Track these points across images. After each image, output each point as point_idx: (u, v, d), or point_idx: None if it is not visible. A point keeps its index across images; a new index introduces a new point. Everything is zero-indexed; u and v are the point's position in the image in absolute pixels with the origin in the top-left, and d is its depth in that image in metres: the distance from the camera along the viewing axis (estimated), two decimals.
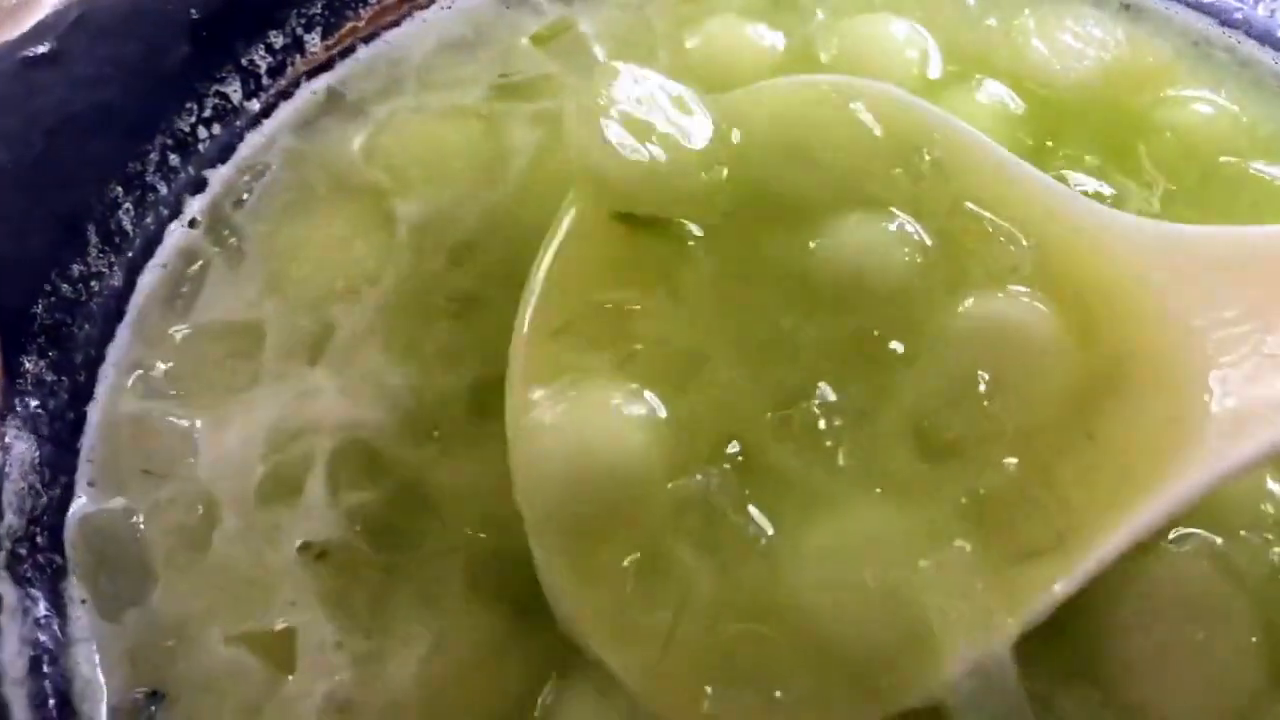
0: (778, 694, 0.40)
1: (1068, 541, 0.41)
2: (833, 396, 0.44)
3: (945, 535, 0.41)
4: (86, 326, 0.56)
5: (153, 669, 0.48)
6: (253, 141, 0.63)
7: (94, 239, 0.57)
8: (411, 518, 0.51)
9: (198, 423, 0.54)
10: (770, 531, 0.42)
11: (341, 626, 0.48)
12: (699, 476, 0.42)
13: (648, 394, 0.44)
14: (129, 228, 0.59)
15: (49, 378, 0.54)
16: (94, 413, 0.55)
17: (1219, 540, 0.47)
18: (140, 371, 0.56)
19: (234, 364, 0.55)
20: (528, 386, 0.45)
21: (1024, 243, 0.47)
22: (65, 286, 0.56)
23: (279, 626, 0.48)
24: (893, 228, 0.47)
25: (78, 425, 0.54)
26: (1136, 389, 0.43)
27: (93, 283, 0.57)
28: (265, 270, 0.58)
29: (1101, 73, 0.65)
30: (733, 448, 0.43)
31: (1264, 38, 0.67)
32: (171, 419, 0.54)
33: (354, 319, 0.56)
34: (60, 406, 0.54)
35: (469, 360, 0.54)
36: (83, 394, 0.55)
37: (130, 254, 0.58)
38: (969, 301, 0.45)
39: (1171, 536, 0.47)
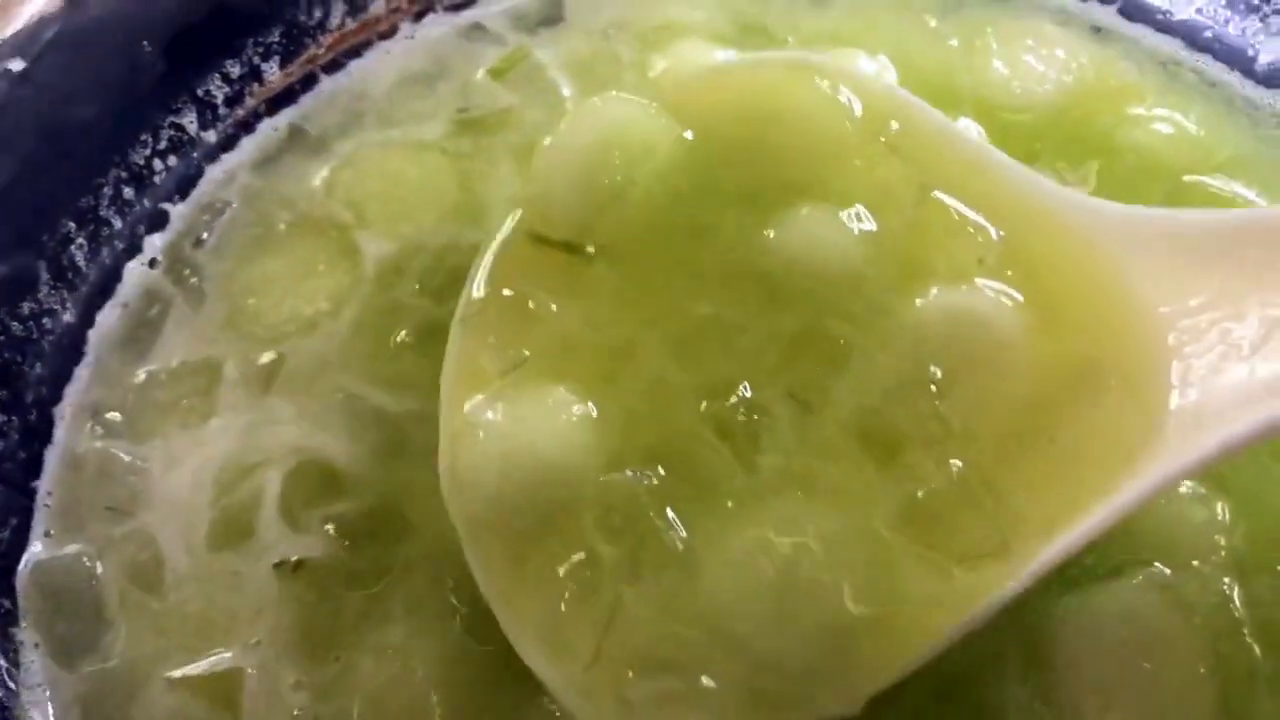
0: (701, 702, 0.39)
1: (1012, 546, 0.40)
2: (775, 394, 0.42)
3: (880, 539, 0.40)
4: (38, 365, 0.55)
5: (104, 717, 0.48)
6: (213, 178, 0.63)
7: (45, 275, 0.56)
8: (379, 534, 0.51)
9: (154, 463, 0.53)
10: (695, 535, 0.40)
11: (304, 656, 0.48)
12: (630, 474, 0.41)
13: (581, 394, 0.43)
14: (82, 264, 0.58)
15: None
16: (51, 456, 0.54)
17: (1169, 571, 0.46)
18: (99, 413, 0.55)
19: (192, 402, 0.55)
20: (459, 388, 0.44)
21: (992, 234, 0.45)
22: (15, 325, 0.55)
23: (225, 669, 0.48)
24: (849, 218, 0.45)
25: (30, 467, 0.53)
26: (1100, 387, 0.42)
27: (45, 320, 0.56)
28: (226, 308, 0.58)
29: (1063, 94, 0.64)
30: (667, 447, 0.42)
31: (1232, 58, 0.66)
32: (129, 459, 0.54)
33: (314, 352, 0.56)
34: (10, 447, 0.53)
35: (430, 390, 0.54)
36: (35, 434, 0.54)
37: (84, 289, 0.58)
38: (931, 293, 0.43)
39: (1120, 569, 0.47)
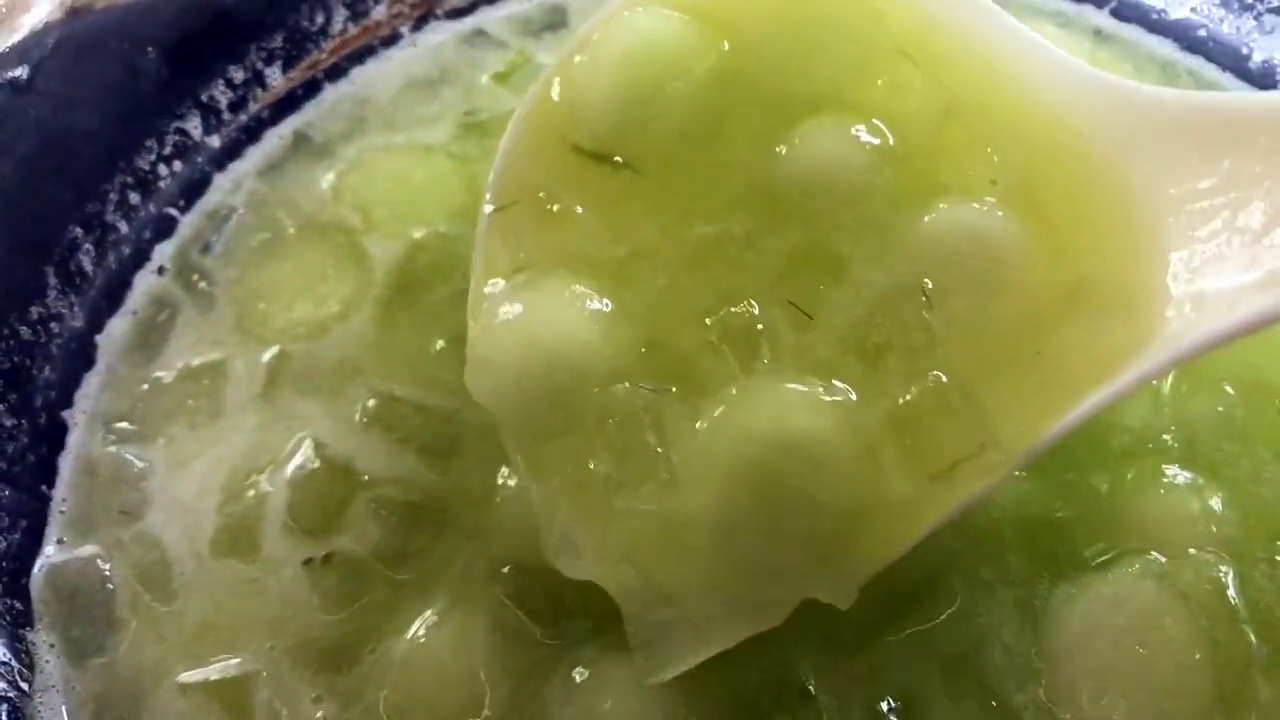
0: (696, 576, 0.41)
1: (989, 450, 0.41)
2: (776, 302, 0.43)
3: (866, 439, 0.41)
4: (47, 370, 0.56)
5: (117, 717, 0.48)
6: (220, 185, 0.63)
7: (53, 280, 0.57)
8: (404, 526, 0.51)
9: (163, 466, 0.54)
10: (690, 436, 0.41)
11: (324, 660, 0.49)
12: (637, 367, 0.43)
13: (596, 291, 0.44)
14: (89, 268, 0.59)
15: (8, 421, 0.54)
16: (65, 462, 0.55)
17: (1164, 559, 0.47)
18: (109, 419, 0.56)
19: (201, 404, 0.56)
20: (484, 277, 0.45)
21: (1008, 155, 0.44)
22: (24, 329, 0.56)
23: (235, 674, 0.48)
24: (865, 132, 0.45)
25: (40, 471, 0.54)
26: (1095, 303, 0.42)
27: (52, 324, 0.57)
28: (235, 313, 0.58)
29: None
30: (673, 347, 0.43)
31: (1227, 56, 0.67)
32: (140, 464, 0.54)
33: (323, 355, 0.56)
34: (20, 450, 0.54)
35: (443, 388, 0.55)
36: (45, 438, 0.55)
37: (92, 294, 0.58)
38: (939, 210, 0.43)
39: (1116, 557, 0.47)
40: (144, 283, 0.60)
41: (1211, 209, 0.41)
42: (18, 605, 0.50)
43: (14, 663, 0.49)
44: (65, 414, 0.56)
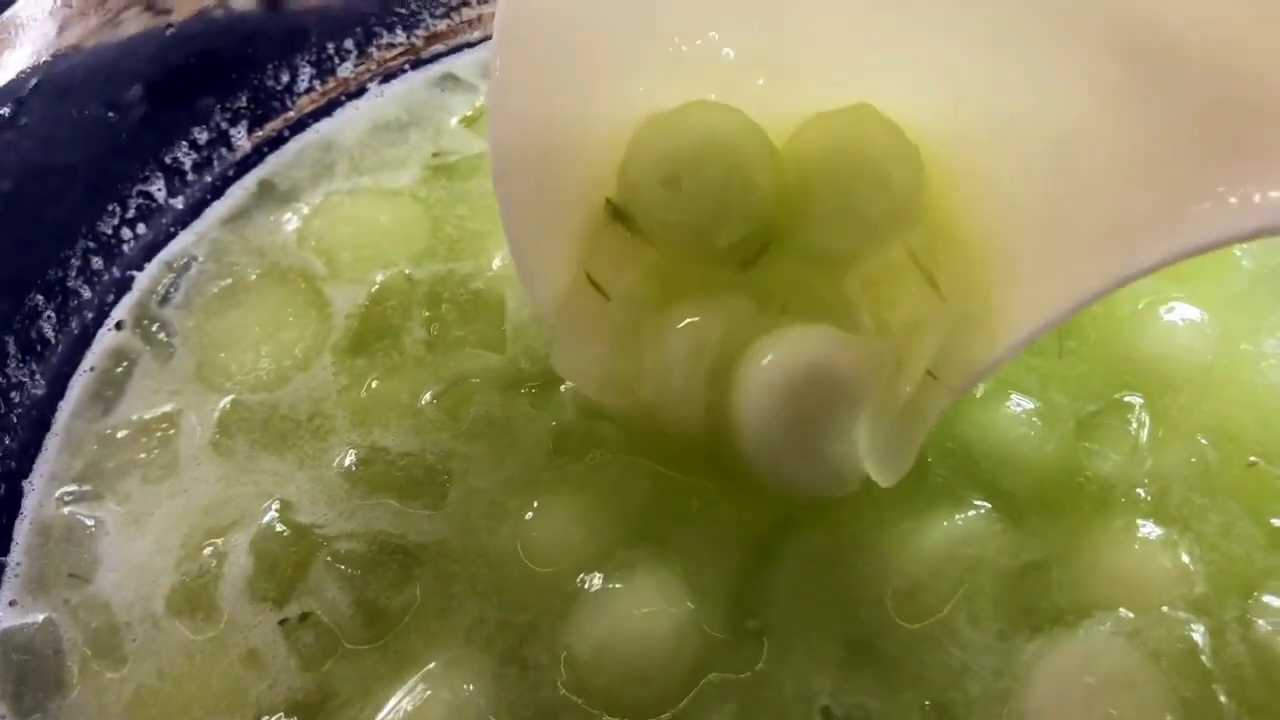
0: None
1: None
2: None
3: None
4: (6, 439, 0.55)
5: None
6: (181, 236, 0.63)
7: (14, 350, 0.57)
8: (376, 579, 0.49)
9: (115, 524, 0.53)
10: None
11: None
12: None
13: None
14: (51, 335, 0.58)
15: None
16: (20, 526, 0.54)
17: (1134, 616, 0.46)
18: (64, 480, 0.55)
19: (155, 458, 0.54)
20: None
21: None
22: None
23: None
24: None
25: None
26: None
27: (13, 394, 0.56)
28: (194, 362, 0.57)
29: None
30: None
31: None
32: (90, 523, 0.53)
33: (283, 403, 0.55)
34: None
35: (406, 432, 0.54)
36: (3, 507, 0.54)
37: (54, 361, 0.58)
38: None
39: (1087, 613, 0.47)
40: (104, 338, 0.59)
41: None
42: None
43: None
44: (25, 483, 0.55)
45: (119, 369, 0.58)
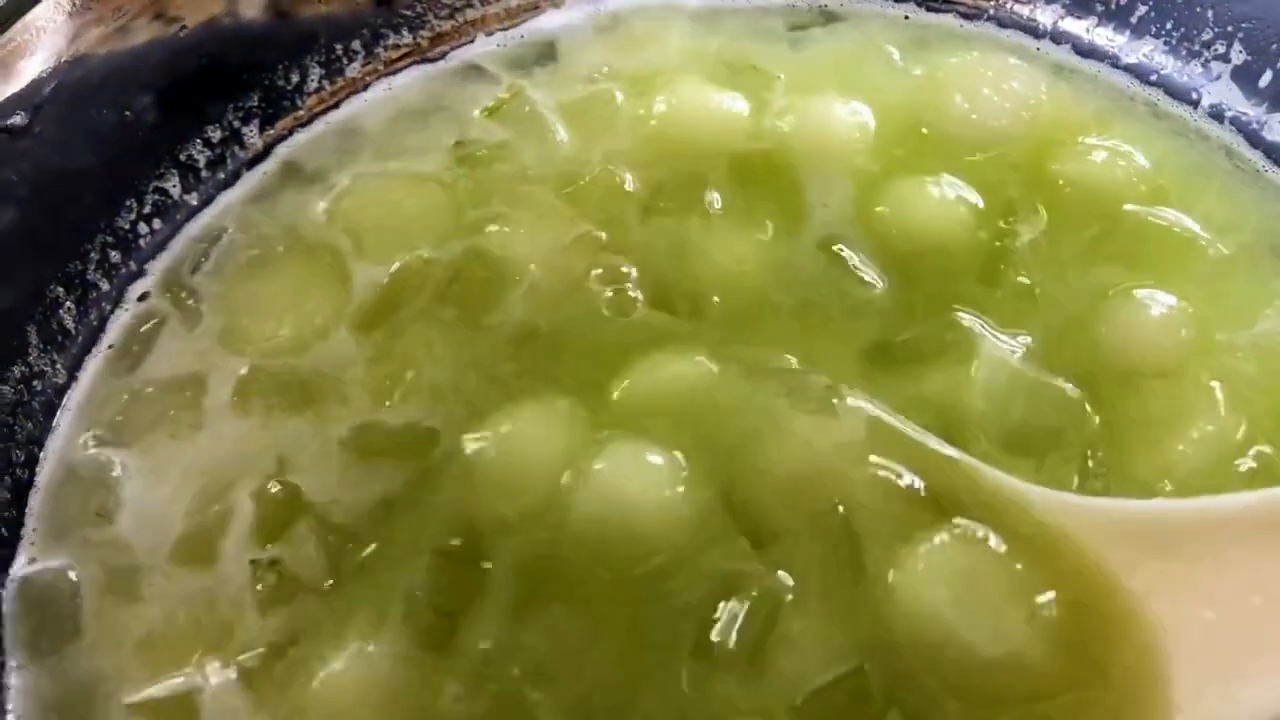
0: None
1: None
2: None
3: None
4: (29, 425, 0.57)
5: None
6: (210, 211, 0.65)
7: (35, 340, 0.58)
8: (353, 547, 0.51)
9: (138, 473, 0.55)
10: None
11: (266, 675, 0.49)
12: None
13: None
14: (71, 325, 0.60)
15: None
16: (44, 467, 0.56)
17: None
18: (92, 428, 0.57)
19: (180, 415, 0.56)
20: None
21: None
22: (6, 389, 0.57)
23: (184, 691, 0.48)
24: None
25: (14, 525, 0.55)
26: (1103, 686, 0.42)
27: (35, 383, 0.58)
28: (219, 325, 0.59)
29: (1019, 127, 0.65)
30: None
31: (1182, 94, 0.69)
32: (120, 466, 0.55)
33: (304, 370, 0.57)
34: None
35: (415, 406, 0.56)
36: (25, 490, 0.55)
37: (74, 350, 0.60)
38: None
39: None
40: (131, 304, 0.62)
41: (1218, 613, 0.41)
42: None
43: None
44: (49, 433, 0.57)
45: (145, 327, 0.60)
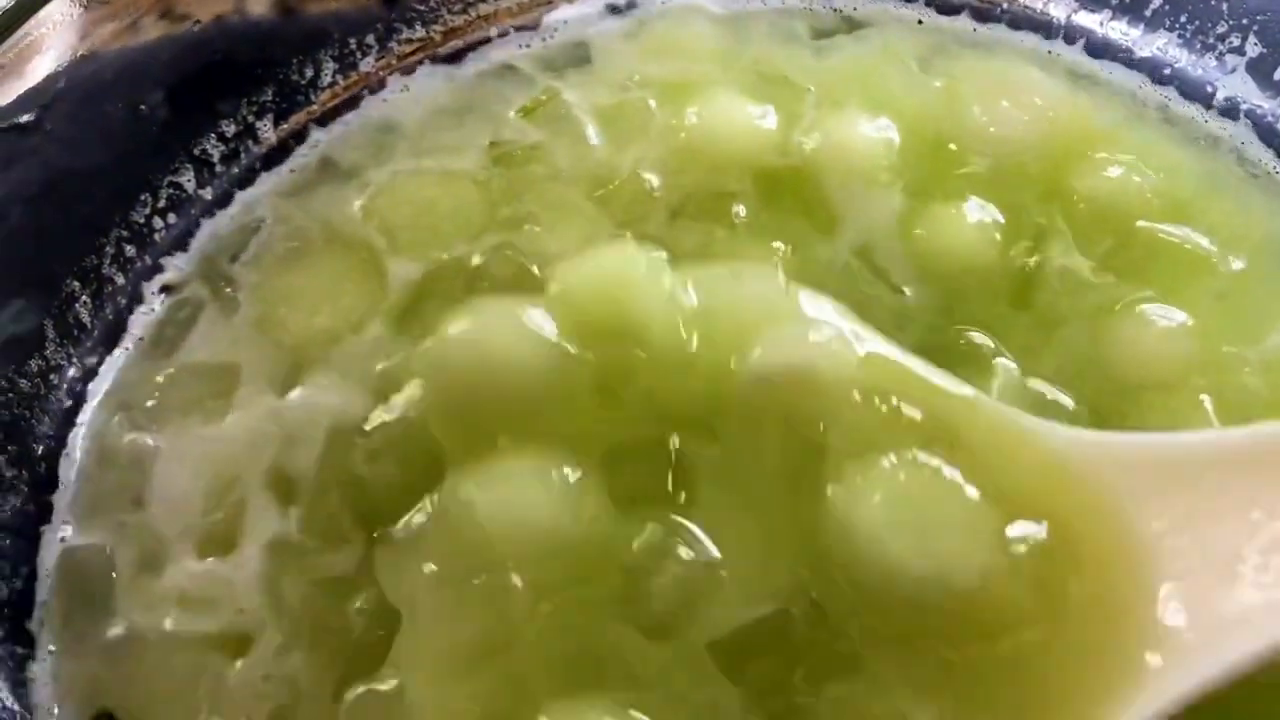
0: None
1: None
2: None
3: None
4: (46, 420, 0.58)
5: (103, 694, 0.50)
6: (244, 201, 0.66)
7: (52, 334, 0.59)
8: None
9: (168, 457, 0.56)
10: None
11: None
12: None
13: None
14: (87, 320, 0.60)
15: (8, 473, 0.55)
16: (75, 446, 0.57)
17: None
18: (125, 407, 0.58)
19: (213, 403, 0.57)
20: None
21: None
22: (23, 382, 0.57)
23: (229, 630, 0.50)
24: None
25: (38, 521, 0.55)
26: (1080, 622, 0.42)
27: (52, 376, 0.59)
28: (255, 314, 0.60)
29: (1036, 137, 0.65)
30: None
31: (1192, 96, 0.69)
32: (154, 448, 0.56)
33: (337, 361, 0.58)
34: (20, 500, 0.55)
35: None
36: (43, 486, 0.56)
37: (88, 344, 0.60)
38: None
39: None
40: (159, 298, 0.63)
41: (1205, 539, 0.41)
42: (18, 650, 0.52)
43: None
44: (83, 409, 0.58)
45: (181, 314, 0.61)
